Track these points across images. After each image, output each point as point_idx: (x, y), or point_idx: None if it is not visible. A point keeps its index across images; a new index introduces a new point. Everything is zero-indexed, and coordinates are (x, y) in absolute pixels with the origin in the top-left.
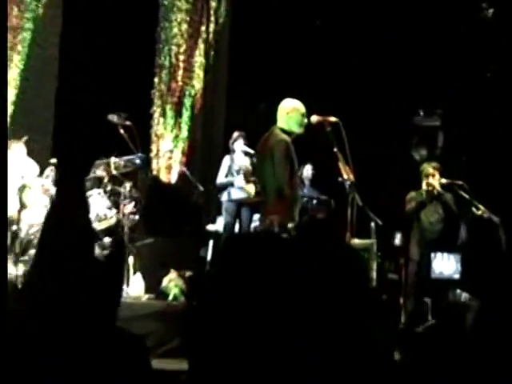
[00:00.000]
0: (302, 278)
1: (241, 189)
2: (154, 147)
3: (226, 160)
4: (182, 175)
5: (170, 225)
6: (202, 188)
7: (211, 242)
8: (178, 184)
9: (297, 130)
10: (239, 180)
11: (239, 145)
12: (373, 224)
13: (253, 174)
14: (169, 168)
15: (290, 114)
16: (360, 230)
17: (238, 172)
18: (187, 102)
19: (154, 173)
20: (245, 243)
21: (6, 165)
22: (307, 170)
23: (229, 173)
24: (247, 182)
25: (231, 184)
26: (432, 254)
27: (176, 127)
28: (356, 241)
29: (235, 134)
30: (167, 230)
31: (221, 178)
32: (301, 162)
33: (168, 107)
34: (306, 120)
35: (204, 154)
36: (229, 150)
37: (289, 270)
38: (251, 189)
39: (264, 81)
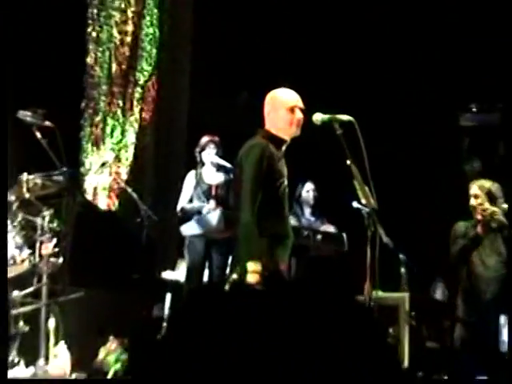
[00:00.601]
0: (285, 356)
1: (212, 219)
2: (86, 159)
3: (191, 177)
4: (126, 199)
5: (109, 271)
6: (155, 217)
7: (169, 297)
8: (120, 212)
9: (284, 132)
10: (210, 206)
11: (209, 155)
12: (403, 270)
13: (228, 197)
14: (107, 189)
15: (272, 108)
16: (385, 279)
17: (207, 194)
18: (135, 92)
19: (87, 196)
20: (215, 299)
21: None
22: (307, 191)
23: (195, 195)
24: (222, 208)
25: (198, 212)
26: (502, 318)
27: (118, 130)
28: (380, 294)
29: (204, 140)
30: (104, 280)
31: (183, 203)
32: (297, 180)
33: (106, 101)
34: (299, 117)
35: (158, 167)
36: (195, 163)
37: (266, 341)
38: (227, 219)
39: (247, 62)
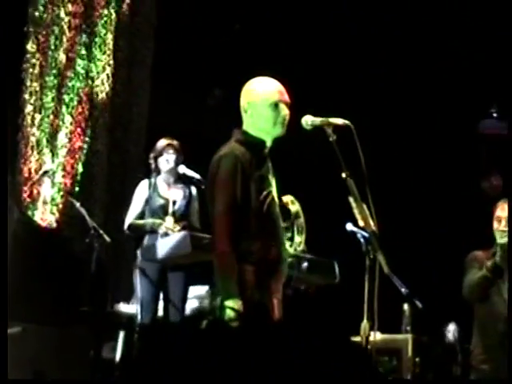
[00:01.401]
0: None
1: (177, 241)
2: (24, 166)
3: (143, 188)
4: (72, 215)
5: (51, 303)
6: (107, 238)
7: (122, 335)
8: (65, 231)
9: (266, 133)
10: (167, 224)
11: (167, 161)
12: (407, 306)
13: (186, 213)
14: (50, 202)
15: (250, 104)
16: (386, 317)
17: (163, 210)
18: (85, 86)
19: (25, 211)
20: (172, 338)
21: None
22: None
23: (147, 210)
24: (180, 227)
25: (151, 231)
26: None
27: (63, 131)
28: (378, 336)
29: (161, 143)
30: (46, 313)
31: (132, 219)
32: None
33: (49, 96)
34: (285, 114)
35: (112, 177)
36: (149, 171)
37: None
38: (181, 240)
39: (221, 53)
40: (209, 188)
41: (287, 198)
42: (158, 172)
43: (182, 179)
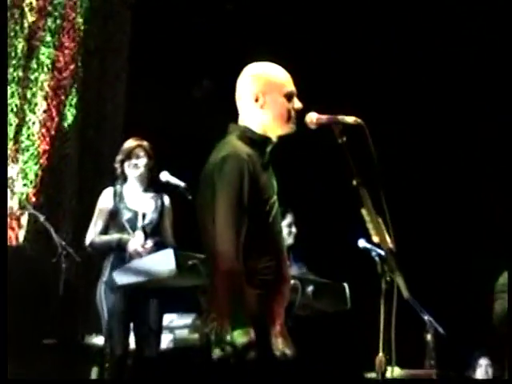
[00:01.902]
0: None
1: (160, 261)
2: None
3: (107, 197)
4: (35, 230)
5: (11, 333)
6: (77, 257)
7: (94, 372)
8: (27, 248)
9: (274, 129)
10: (138, 240)
11: (135, 166)
12: (430, 337)
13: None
14: (9, 215)
15: (259, 92)
16: (406, 350)
17: (131, 224)
18: (50, 79)
19: None
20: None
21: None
22: (288, 226)
23: (112, 224)
24: (153, 244)
25: (118, 247)
26: None
27: (24, 131)
28: (397, 372)
29: (128, 144)
30: (8, 345)
31: (94, 233)
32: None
33: (8, 90)
34: (299, 107)
35: (83, 186)
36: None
37: None
38: (163, 259)
39: (208, 38)
40: (205, 195)
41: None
42: (125, 179)
43: (152, 187)
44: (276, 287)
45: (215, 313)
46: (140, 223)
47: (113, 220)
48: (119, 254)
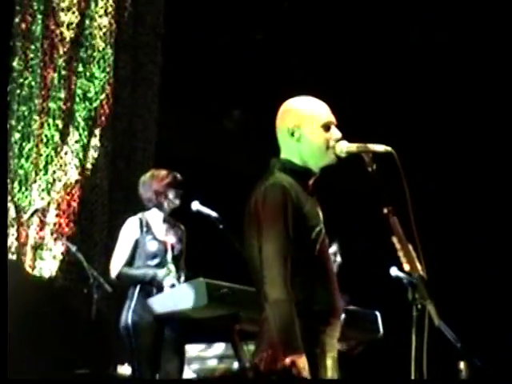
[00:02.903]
0: None
1: (191, 292)
2: (11, 203)
3: (134, 226)
4: (67, 261)
5: (43, 365)
6: (109, 289)
7: None
8: (58, 280)
9: (316, 161)
10: (172, 276)
11: (173, 199)
12: (463, 365)
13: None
14: (41, 247)
15: (300, 124)
16: (438, 378)
17: (159, 256)
18: (81, 109)
19: (11, 257)
20: None
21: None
22: (333, 253)
23: (139, 254)
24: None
25: (151, 281)
26: None
27: (54, 162)
28: None
29: (178, 177)
30: (39, 374)
31: (121, 265)
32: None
33: (38, 121)
34: (339, 136)
35: (114, 216)
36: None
37: None
38: (194, 289)
39: (240, 68)
40: (251, 227)
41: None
42: (148, 207)
43: (168, 219)
44: (326, 319)
45: (266, 343)
46: (169, 255)
47: (139, 250)
48: (146, 284)
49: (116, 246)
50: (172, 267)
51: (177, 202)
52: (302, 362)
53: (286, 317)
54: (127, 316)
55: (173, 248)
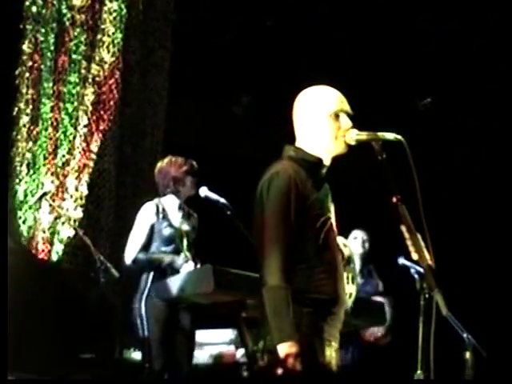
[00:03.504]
0: None
1: (198, 276)
2: (18, 186)
3: (150, 212)
4: (74, 245)
5: (48, 349)
6: (116, 273)
7: None
8: (64, 264)
9: (326, 150)
10: (189, 263)
11: (191, 187)
12: (469, 355)
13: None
14: (49, 230)
15: (307, 115)
16: (444, 368)
17: (174, 242)
18: (89, 93)
19: (20, 243)
20: None
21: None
22: (356, 242)
23: (155, 240)
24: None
25: (169, 264)
26: None
27: (64, 146)
28: None
29: (194, 164)
30: (46, 361)
31: (136, 250)
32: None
33: (47, 105)
34: (348, 125)
35: (121, 201)
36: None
37: None
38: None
39: (250, 53)
40: (256, 213)
41: (338, 240)
42: (164, 194)
43: (183, 206)
44: (329, 308)
45: (264, 329)
46: (185, 243)
47: (154, 235)
48: (160, 270)
49: (132, 231)
50: (188, 254)
51: (193, 190)
52: (295, 350)
53: (280, 303)
54: (140, 302)
55: (187, 235)
